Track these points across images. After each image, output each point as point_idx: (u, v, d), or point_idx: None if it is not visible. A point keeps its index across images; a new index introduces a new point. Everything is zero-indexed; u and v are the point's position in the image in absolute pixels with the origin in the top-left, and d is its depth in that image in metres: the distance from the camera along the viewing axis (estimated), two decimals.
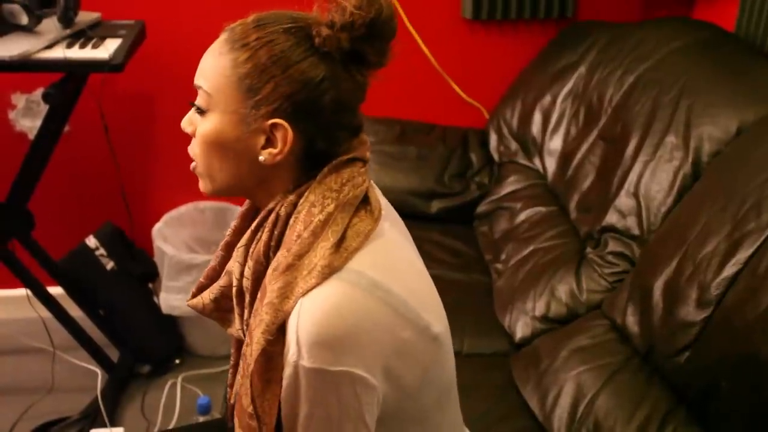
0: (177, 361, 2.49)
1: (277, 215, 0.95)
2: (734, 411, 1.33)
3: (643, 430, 1.42)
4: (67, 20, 1.98)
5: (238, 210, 2.71)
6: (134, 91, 2.48)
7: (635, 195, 1.78)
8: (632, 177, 1.81)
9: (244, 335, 0.99)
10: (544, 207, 2.14)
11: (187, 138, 1.01)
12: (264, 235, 0.95)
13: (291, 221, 0.94)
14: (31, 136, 2.42)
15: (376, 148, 2.40)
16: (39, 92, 2.37)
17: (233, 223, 1.09)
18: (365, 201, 0.98)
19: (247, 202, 1.09)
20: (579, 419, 1.51)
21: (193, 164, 1.00)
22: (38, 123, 2.22)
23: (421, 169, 2.34)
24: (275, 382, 0.89)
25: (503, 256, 2.10)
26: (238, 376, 0.97)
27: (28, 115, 2.43)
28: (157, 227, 2.48)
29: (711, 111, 1.71)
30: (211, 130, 0.95)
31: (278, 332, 0.89)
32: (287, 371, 0.88)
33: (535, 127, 2.29)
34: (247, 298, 0.98)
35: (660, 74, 1.92)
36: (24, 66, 1.87)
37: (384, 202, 1.05)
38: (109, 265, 2.41)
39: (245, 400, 0.92)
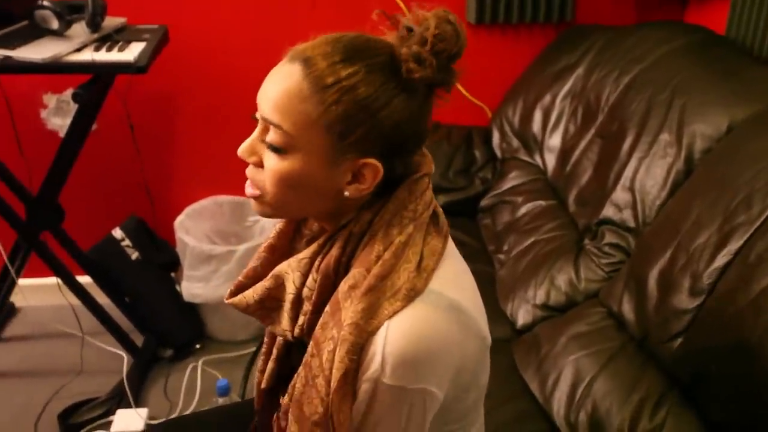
0: (197, 346, 2.50)
1: (351, 232, 0.92)
2: (725, 394, 1.32)
3: (638, 412, 1.42)
4: (94, 25, 1.98)
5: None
6: (157, 92, 2.48)
7: (631, 189, 1.78)
8: (628, 172, 1.80)
9: (292, 337, 0.98)
10: (544, 201, 2.14)
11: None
12: (335, 251, 0.92)
13: (365, 239, 0.91)
14: (62, 134, 2.42)
15: None
16: (69, 92, 2.37)
17: (278, 226, 1.06)
18: (434, 216, 0.97)
19: None
20: (577, 401, 1.51)
21: (252, 191, 0.93)
22: (68, 121, 2.22)
23: None
24: (350, 395, 0.88)
25: (505, 247, 2.09)
26: (298, 384, 0.94)
27: (58, 114, 2.44)
28: (179, 220, 2.48)
29: (703, 110, 1.70)
30: (294, 170, 0.88)
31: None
32: (366, 386, 0.87)
33: (536, 125, 2.28)
34: (308, 307, 0.95)
35: (654, 75, 1.91)
36: (55, 68, 1.87)
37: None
38: (134, 255, 2.42)
39: (309, 408, 0.91)
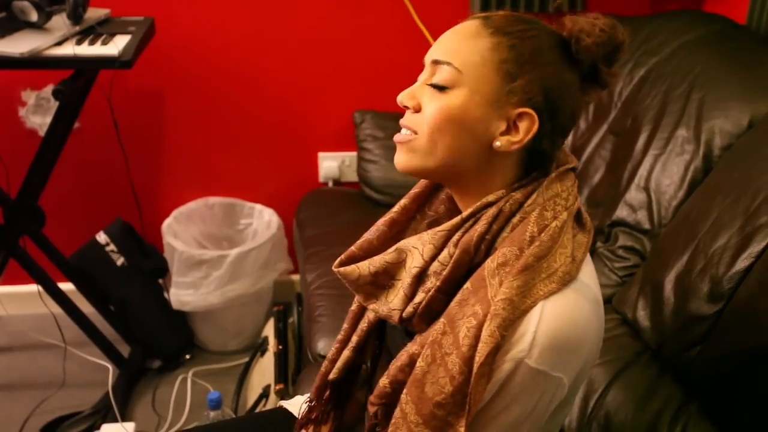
0: (187, 357, 2.50)
1: (500, 210, 0.94)
2: (747, 406, 1.32)
3: (654, 424, 1.41)
4: (76, 17, 1.98)
5: (247, 205, 2.71)
6: (144, 88, 2.48)
7: (646, 189, 1.77)
8: (643, 171, 1.80)
9: (399, 319, 0.98)
10: None
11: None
12: (479, 227, 0.94)
13: (515, 220, 0.94)
14: (42, 132, 2.43)
15: (387, 143, 2.40)
16: (49, 89, 2.38)
17: (402, 202, 1.08)
18: (578, 212, 1.01)
19: (420, 184, 1.09)
20: (590, 414, 1.51)
21: (404, 137, 0.98)
22: (48, 120, 2.23)
23: None
24: (488, 374, 0.89)
25: None
26: (421, 362, 0.94)
27: (38, 112, 2.44)
28: (167, 223, 2.48)
29: (722, 104, 1.70)
30: (456, 105, 0.94)
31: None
32: (507, 366, 0.88)
33: None
34: (433, 283, 0.95)
35: (670, 67, 1.91)
36: (34, 63, 1.87)
37: None
38: (120, 260, 2.42)
39: (433, 388, 0.91)
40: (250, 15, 2.41)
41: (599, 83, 0.99)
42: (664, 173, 1.74)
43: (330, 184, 2.66)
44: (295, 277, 2.69)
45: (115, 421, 2.15)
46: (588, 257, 0.99)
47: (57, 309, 2.29)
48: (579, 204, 1.00)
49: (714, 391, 1.39)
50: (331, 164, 2.63)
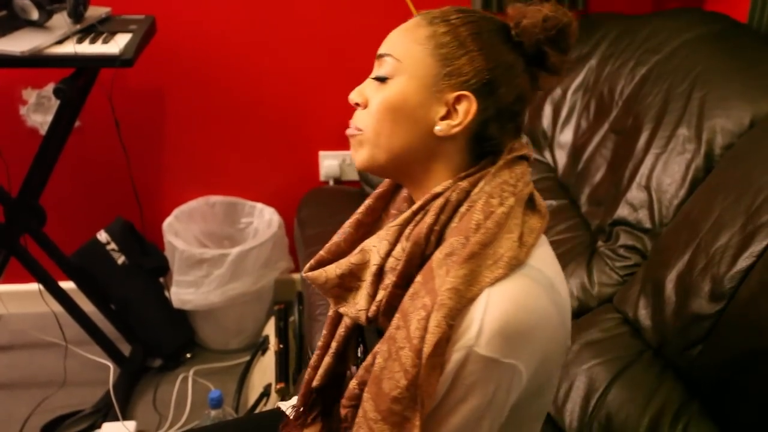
0: (188, 355, 2.50)
1: (447, 200, 0.95)
2: (748, 405, 1.32)
3: (655, 423, 1.41)
4: (77, 15, 1.98)
5: (248, 204, 2.71)
6: (145, 86, 2.48)
7: (647, 188, 1.77)
8: (644, 170, 1.80)
9: (366, 319, 0.98)
10: (555, 200, 2.13)
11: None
12: (428, 218, 0.94)
13: (462, 209, 0.94)
14: (42, 131, 2.43)
15: None
16: (50, 87, 2.39)
17: (367, 202, 1.10)
18: (531, 197, 1.00)
19: (384, 183, 1.10)
20: (591, 413, 1.51)
21: (353, 132, 1.01)
22: (49, 118, 2.23)
23: None
24: (439, 367, 0.88)
25: None
26: (379, 359, 0.94)
27: (39, 111, 2.44)
28: (168, 222, 2.48)
29: (724, 103, 1.70)
30: (396, 93, 0.96)
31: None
32: (457, 355, 0.88)
33: (546, 120, 2.27)
34: (390, 279, 0.95)
35: (672, 66, 1.91)
36: (35, 61, 1.88)
37: None
38: (120, 259, 2.42)
39: (389, 383, 0.91)
40: (250, 13, 2.41)
41: (547, 67, 0.99)
42: (665, 172, 1.74)
43: (331, 182, 2.67)
44: (296, 276, 2.70)
45: (116, 420, 2.15)
46: (543, 240, 0.98)
47: (58, 307, 2.29)
48: (531, 189, 1.00)
49: (715, 391, 1.39)
50: (331, 163, 2.63)
